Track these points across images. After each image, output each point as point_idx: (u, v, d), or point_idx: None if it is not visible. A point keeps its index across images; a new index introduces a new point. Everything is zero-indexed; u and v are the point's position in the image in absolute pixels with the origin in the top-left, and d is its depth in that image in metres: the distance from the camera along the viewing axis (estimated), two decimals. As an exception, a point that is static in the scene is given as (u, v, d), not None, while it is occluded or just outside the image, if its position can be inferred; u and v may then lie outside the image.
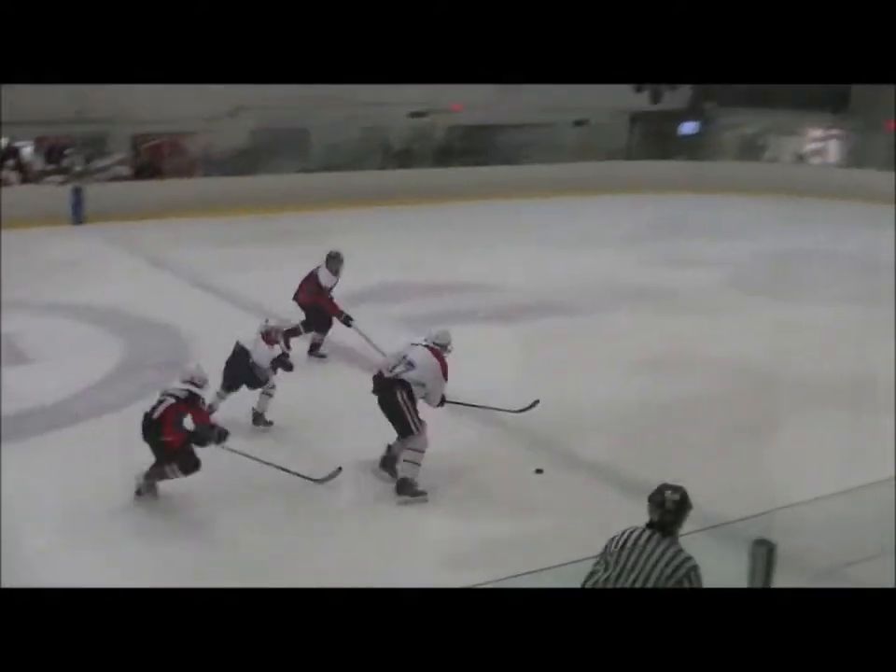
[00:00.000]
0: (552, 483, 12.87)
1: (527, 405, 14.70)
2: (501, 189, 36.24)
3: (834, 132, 45.87)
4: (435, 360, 12.82)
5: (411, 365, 12.60)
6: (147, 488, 12.21)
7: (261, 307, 18.20)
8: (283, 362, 14.52)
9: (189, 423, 12.01)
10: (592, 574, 6.99)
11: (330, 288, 17.57)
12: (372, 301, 21.31)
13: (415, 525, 11.73)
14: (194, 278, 23.66)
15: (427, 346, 12.88)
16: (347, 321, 17.36)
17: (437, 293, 22.10)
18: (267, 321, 14.75)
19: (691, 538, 7.16)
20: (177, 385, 12.23)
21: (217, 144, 35.59)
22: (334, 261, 17.71)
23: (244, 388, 14.47)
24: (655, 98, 45.05)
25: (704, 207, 35.75)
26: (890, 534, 9.05)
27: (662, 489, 7.13)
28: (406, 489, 12.40)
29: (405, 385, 12.44)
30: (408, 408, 12.46)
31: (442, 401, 13.09)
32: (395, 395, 12.42)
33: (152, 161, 34.94)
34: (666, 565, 6.81)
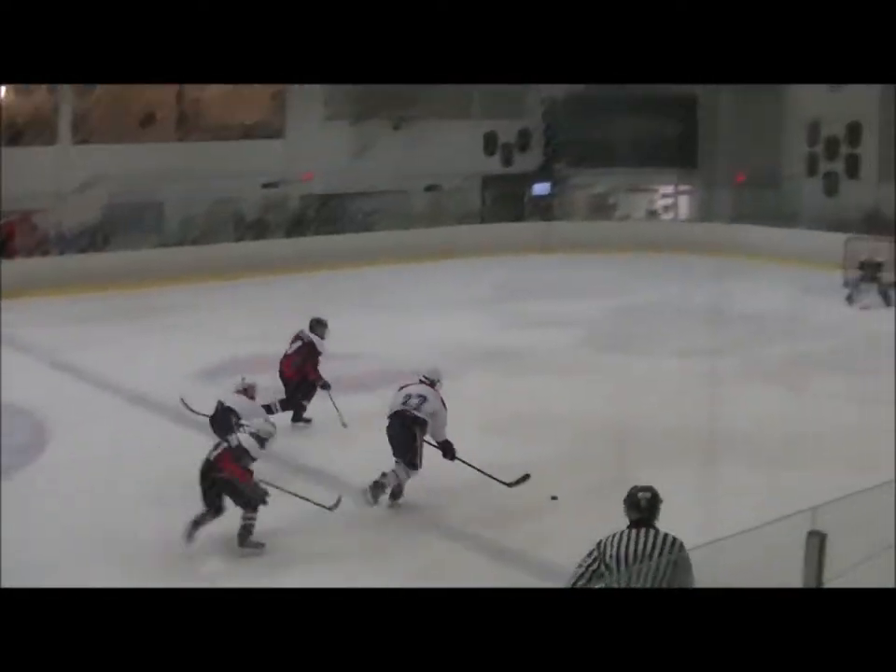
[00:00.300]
0: (412, 545, 13.00)
1: (518, 478, 14.89)
2: (355, 256, 36.33)
3: (684, 187, 46.86)
4: (438, 394, 14.32)
5: (423, 399, 14.05)
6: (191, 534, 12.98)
7: (117, 384, 18.06)
8: (271, 407, 16.40)
9: None
10: (581, 576, 8.21)
11: (320, 354, 18.12)
12: (227, 375, 21.25)
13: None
14: (48, 356, 23.37)
15: (424, 383, 14.39)
16: (326, 386, 17.86)
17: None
18: (244, 379, 16.13)
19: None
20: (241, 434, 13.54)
21: (69, 220, 35.27)
22: (321, 327, 18.45)
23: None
24: (506, 161, 45.64)
25: (556, 267, 36.22)
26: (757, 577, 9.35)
27: (634, 492, 8.43)
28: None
29: (423, 424, 13.96)
30: (420, 444, 14.01)
31: (452, 454, 14.56)
32: (413, 430, 13.96)
33: (3, 239, 34.46)
34: (661, 547, 8.13)
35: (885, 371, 21.58)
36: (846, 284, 32.27)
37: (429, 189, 43.09)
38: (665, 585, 7.92)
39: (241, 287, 32.41)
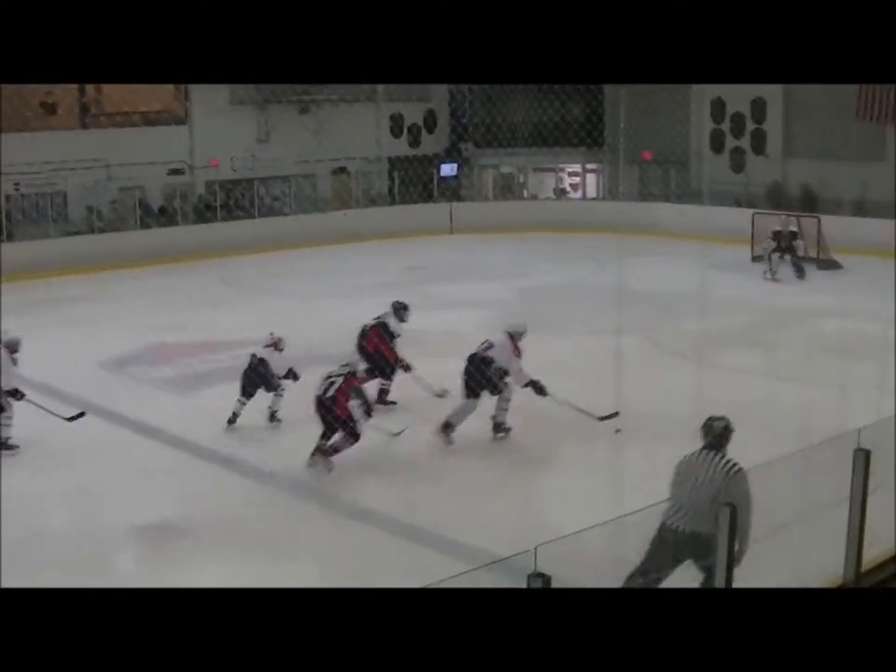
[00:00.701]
0: (319, 529, 12.97)
1: (610, 413, 16.27)
2: (263, 242, 36.12)
3: (591, 166, 47.10)
4: (509, 343, 16.63)
5: (490, 344, 16.60)
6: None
7: (24, 376, 17.77)
8: (294, 373, 17.54)
9: None
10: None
11: (397, 336, 18.99)
12: (138, 364, 21.10)
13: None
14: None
15: (505, 332, 16.81)
16: (408, 368, 18.44)
17: (203, 351, 21.96)
18: (272, 334, 17.78)
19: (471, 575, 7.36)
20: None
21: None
22: (403, 311, 19.44)
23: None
24: (414, 142, 45.62)
25: (464, 248, 36.25)
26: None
27: (709, 420, 9.97)
28: (500, 429, 16.35)
29: (488, 362, 16.29)
30: (491, 375, 16.21)
31: (529, 384, 16.52)
32: (480, 367, 16.19)
33: None
34: (721, 467, 9.55)
35: (793, 346, 21.82)
36: (755, 258, 32.59)
37: (337, 172, 43.01)
38: (722, 498, 9.09)
39: (148, 275, 32.12)
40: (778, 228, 31.75)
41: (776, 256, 31.01)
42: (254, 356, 17.47)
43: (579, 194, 47.44)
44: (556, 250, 35.02)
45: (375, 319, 19.10)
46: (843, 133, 39.51)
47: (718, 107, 43.69)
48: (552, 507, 13.41)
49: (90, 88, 38.43)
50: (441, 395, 17.83)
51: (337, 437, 15.07)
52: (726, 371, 20.11)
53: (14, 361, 16.35)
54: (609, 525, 9.33)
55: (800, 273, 30.52)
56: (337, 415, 15.00)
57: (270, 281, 30.44)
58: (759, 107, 42.54)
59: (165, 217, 38.02)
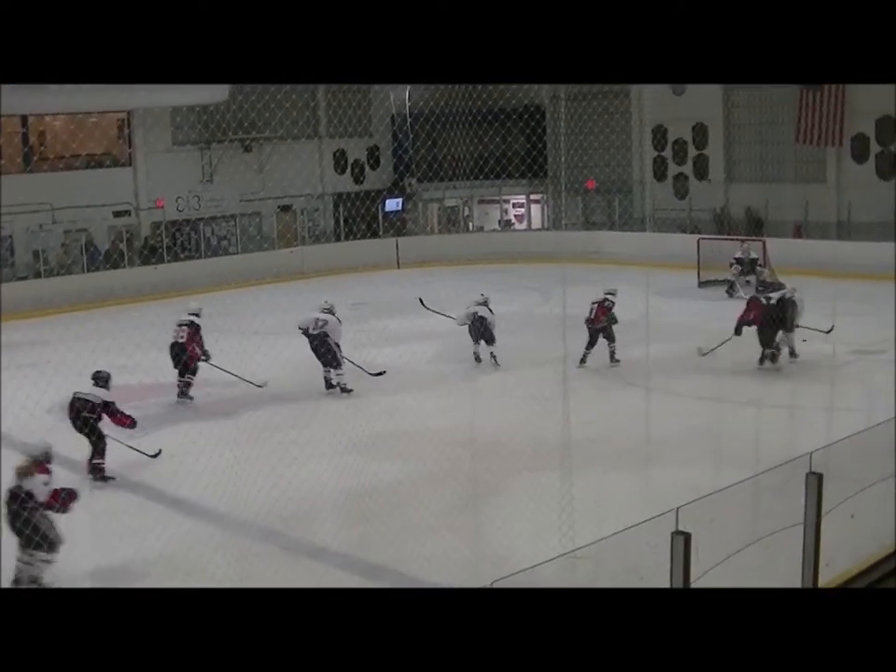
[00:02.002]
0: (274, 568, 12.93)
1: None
2: (209, 281, 35.98)
3: (535, 197, 47.32)
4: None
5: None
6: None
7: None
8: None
9: None
10: None
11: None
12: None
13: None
14: None
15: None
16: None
17: (151, 394, 21.86)
18: (325, 301, 21.67)
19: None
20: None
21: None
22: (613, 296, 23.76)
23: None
24: (357, 178, 45.70)
25: (411, 282, 36.24)
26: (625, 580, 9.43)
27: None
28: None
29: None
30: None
31: None
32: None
33: None
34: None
35: (739, 371, 21.94)
36: (701, 284, 32.83)
37: (281, 210, 43.01)
38: None
39: (95, 318, 31.90)
40: (739, 255, 32.15)
41: (742, 279, 31.45)
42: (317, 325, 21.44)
43: (524, 225, 47.64)
44: (502, 281, 35.10)
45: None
46: (784, 157, 39.94)
47: (659, 135, 44.01)
48: (505, 539, 13.42)
49: (33, 131, 38.35)
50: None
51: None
52: (675, 396, 20.21)
53: None
54: (565, 555, 9.36)
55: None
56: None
57: (216, 321, 30.31)
58: (700, 133, 42.90)
59: (111, 259, 37.84)
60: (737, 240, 34.42)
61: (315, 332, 21.67)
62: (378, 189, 46.14)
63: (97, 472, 16.83)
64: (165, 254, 38.58)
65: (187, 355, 21.62)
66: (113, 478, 16.84)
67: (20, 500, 12.70)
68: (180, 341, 22.04)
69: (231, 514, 14.72)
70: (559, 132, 45.97)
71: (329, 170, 45.50)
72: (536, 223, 47.53)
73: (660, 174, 44.16)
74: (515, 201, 47.94)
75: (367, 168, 46.83)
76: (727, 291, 32.02)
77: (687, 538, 8.61)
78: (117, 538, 13.98)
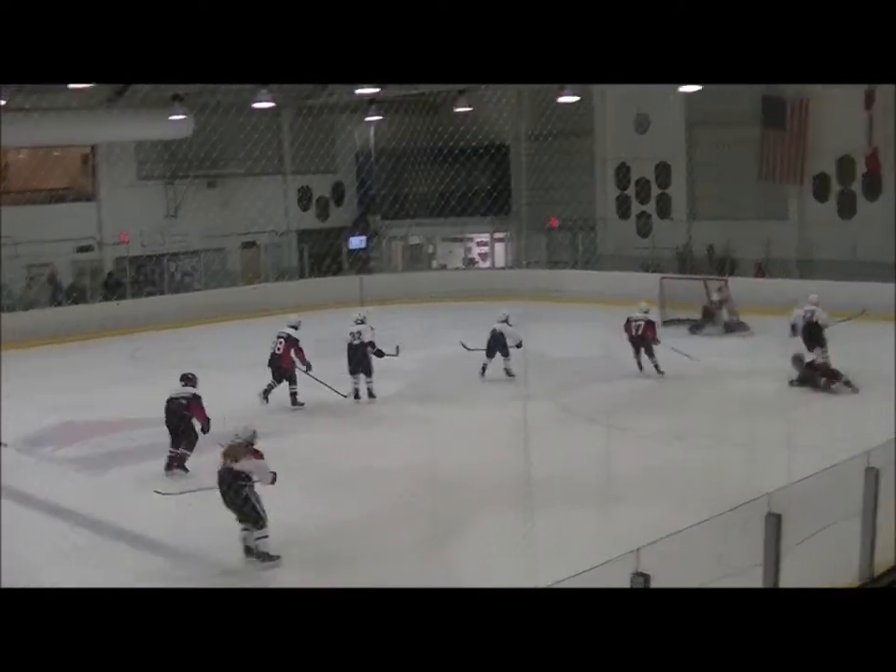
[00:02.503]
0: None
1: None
2: (173, 317, 35.88)
3: (499, 235, 47.42)
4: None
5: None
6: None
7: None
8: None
9: None
10: None
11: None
12: (48, 443, 20.90)
13: None
14: None
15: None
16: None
17: (113, 430, 21.80)
18: (359, 314, 24.12)
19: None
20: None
21: None
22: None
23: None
24: (322, 215, 45.76)
25: (375, 320, 36.15)
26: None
27: None
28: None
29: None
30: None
31: None
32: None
33: None
34: None
35: (699, 410, 22.02)
36: (665, 323, 32.95)
37: (246, 246, 42.98)
38: None
39: (58, 353, 31.79)
40: (707, 304, 32.74)
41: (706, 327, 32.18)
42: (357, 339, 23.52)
43: (487, 263, 47.71)
44: (465, 320, 35.10)
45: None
46: (746, 195, 40.20)
47: (622, 173, 44.24)
48: (467, 578, 13.39)
49: (-4, 165, 38.31)
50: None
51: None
52: (636, 435, 20.25)
53: None
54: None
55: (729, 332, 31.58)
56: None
57: (180, 356, 30.24)
58: (663, 172, 43.15)
59: (75, 294, 37.71)
60: (700, 279, 34.59)
61: (356, 343, 24.13)
62: (342, 226, 46.22)
63: (179, 462, 18.83)
64: (129, 289, 38.47)
65: (283, 366, 23.84)
66: (188, 471, 18.54)
67: (233, 480, 14.53)
68: (277, 352, 23.96)
69: (190, 554, 14.65)
70: (521, 170, 46.19)
71: (294, 206, 45.58)
72: (500, 261, 47.60)
73: (623, 212, 44.38)
74: (479, 239, 48.03)
75: (331, 205, 46.93)
76: (690, 329, 32.27)
77: (646, 578, 8.64)
78: (75, 574, 13.89)
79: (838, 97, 35.91)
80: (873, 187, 37.64)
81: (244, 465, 14.69)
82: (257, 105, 35.34)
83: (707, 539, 10.46)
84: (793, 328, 25.95)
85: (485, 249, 48.05)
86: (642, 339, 25.52)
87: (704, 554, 10.39)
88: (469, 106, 40.05)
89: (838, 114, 36.81)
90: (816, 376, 23.75)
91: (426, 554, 14.48)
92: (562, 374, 25.56)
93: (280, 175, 45.12)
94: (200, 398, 19.05)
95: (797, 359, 24.46)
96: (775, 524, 10.04)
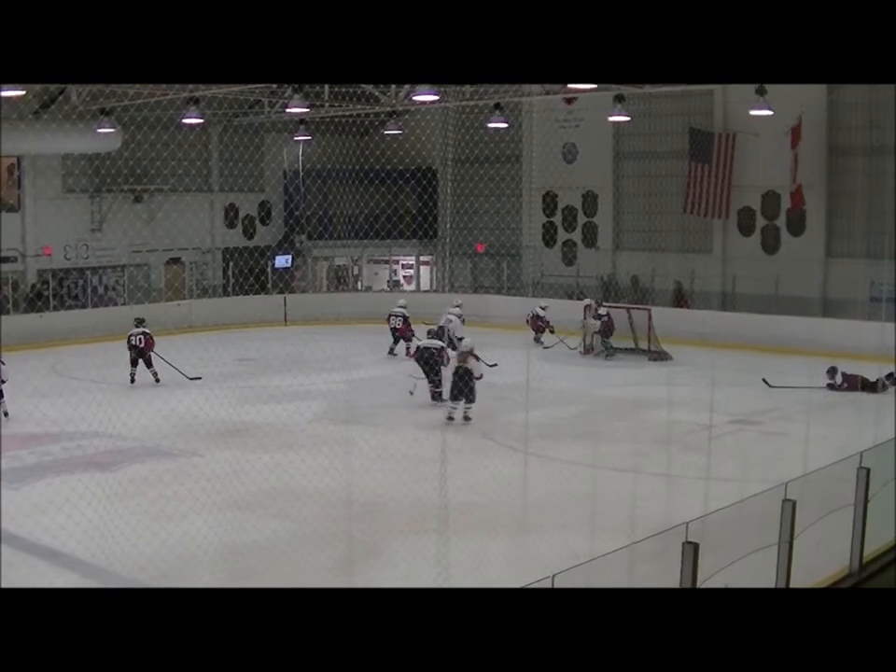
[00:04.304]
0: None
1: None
2: (95, 331, 35.55)
3: (425, 258, 47.54)
4: None
5: None
6: None
7: None
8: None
9: None
10: None
11: None
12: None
13: None
14: None
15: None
16: None
17: (31, 443, 21.57)
18: (456, 300, 27.68)
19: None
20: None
21: None
22: None
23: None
24: (248, 233, 45.63)
25: (297, 340, 36.11)
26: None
27: None
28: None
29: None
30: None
31: None
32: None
33: None
34: None
35: (620, 438, 22.12)
36: (585, 350, 33.16)
37: (170, 262, 42.76)
38: None
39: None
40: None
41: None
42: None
43: (412, 286, 47.80)
44: (389, 342, 35.15)
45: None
46: (671, 227, 40.58)
47: (550, 201, 44.48)
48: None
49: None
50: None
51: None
52: (555, 462, 20.30)
53: None
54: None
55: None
56: None
57: (101, 371, 30.02)
58: (590, 201, 43.45)
59: (-6, 305, 37.36)
60: (623, 307, 34.86)
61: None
62: (268, 245, 46.12)
63: (438, 398, 25.32)
64: (51, 302, 38.11)
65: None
66: (446, 400, 24.48)
67: (464, 374, 23.51)
68: (397, 327, 32.84)
69: (104, 570, 14.50)
70: (447, 194, 46.35)
71: (220, 224, 45.44)
72: (425, 285, 47.72)
73: (549, 239, 44.58)
74: (405, 262, 48.17)
75: (257, 223, 46.81)
76: (606, 356, 32.77)
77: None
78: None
79: (764, 133, 36.33)
80: (797, 223, 38.07)
81: (471, 364, 23.63)
82: (185, 121, 35.18)
83: (623, 567, 10.49)
84: None
85: (411, 272, 48.15)
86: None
87: (620, 581, 10.42)
88: (399, 129, 40.13)
89: (764, 149, 37.21)
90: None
91: (338, 577, 14.42)
92: (485, 400, 25.59)
93: (207, 191, 44.96)
94: (446, 349, 26.53)
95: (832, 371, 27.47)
96: (692, 552, 10.07)
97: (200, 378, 28.94)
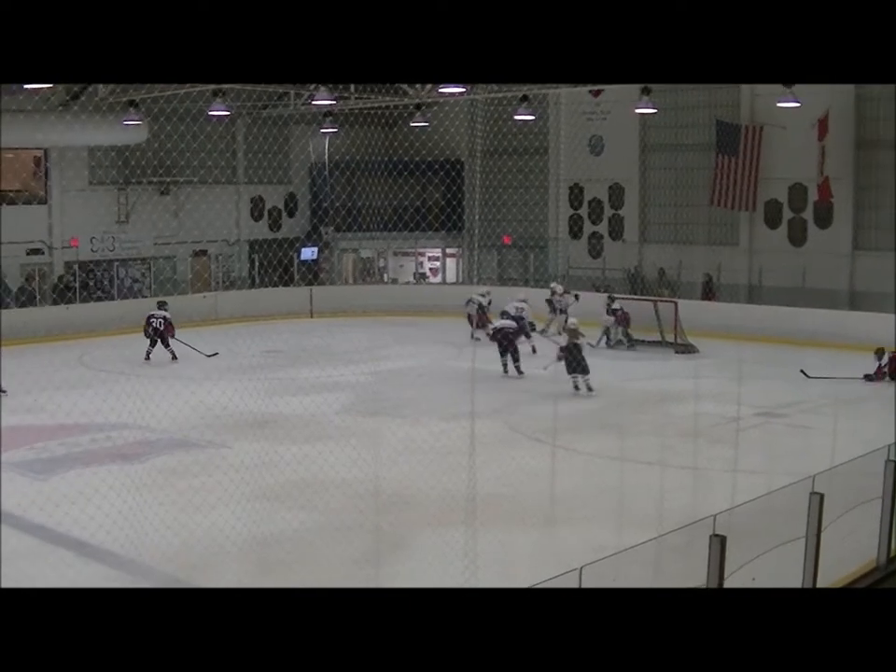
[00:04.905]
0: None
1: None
2: (122, 323, 35.61)
3: (451, 251, 47.50)
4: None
5: None
6: None
7: None
8: None
9: None
10: None
11: None
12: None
13: None
14: None
15: None
16: None
17: (60, 434, 21.65)
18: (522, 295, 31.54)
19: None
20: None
21: None
22: None
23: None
24: (274, 225, 45.67)
25: (323, 332, 36.19)
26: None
27: None
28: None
29: None
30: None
31: None
32: None
33: None
34: None
35: (646, 430, 22.10)
36: (609, 344, 33.15)
37: (197, 254, 42.82)
38: None
39: (5, 356, 31.44)
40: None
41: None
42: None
43: (438, 278, 47.78)
44: (415, 334, 35.20)
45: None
46: (697, 220, 40.48)
47: (576, 193, 44.40)
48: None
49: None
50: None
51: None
52: (581, 455, 20.31)
53: None
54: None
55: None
56: None
57: (126, 364, 30.13)
58: (617, 193, 43.34)
59: (24, 297, 37.45)
60: (649, 300, 34.81)
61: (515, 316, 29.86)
62: (294, 237, 46.12)
63: (519, 371, 28.24)
64: (78, 294, 38.20)
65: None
66: (523, 373, 28.03)
67: (578, 351, 26.09)
68: (472, 313, 34.36)
69: (132, 561, 14.57)
70: (475, 187, 46.31)
71: (246, 216, 45.47)
72: (451, 277, 47.71)
73: (575, 232, 44.49)
74: (431, 254, 48.12)
75: (284, 215, 46.83)
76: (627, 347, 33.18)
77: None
78: (13, 583, 13.79)
79: (791, 125, 36.24)
80: (824, 215, 37.92)
81: (580, 340, 26.29)
82: (212, 113, 35.25)
83: (650, 560, 10.50)
84: None
85: (436, 264, 48.13)
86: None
87: (646, 575, 10.43)
88: (425, 122, 40.11)
89: (791, 142, 37.11)
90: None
91: (365, 569, 14.45)
92: (510, 393, 25.61)
93: (233, 184, 45.01)
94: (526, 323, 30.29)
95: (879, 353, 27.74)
96: (719, 545, 10.07)
97: (217, 354, 30.46)
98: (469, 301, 35.10)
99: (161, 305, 31.75)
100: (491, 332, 29.63)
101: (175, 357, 30.57)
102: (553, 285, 37.30)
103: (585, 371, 25.96)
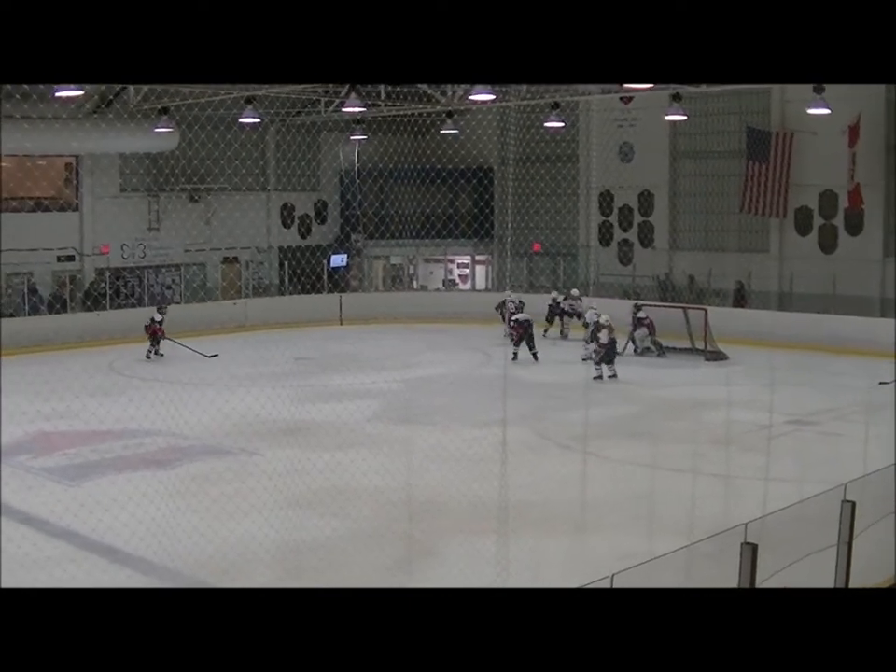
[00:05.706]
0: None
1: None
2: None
3: (480, 258, 47.52)
4: None
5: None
6: None
7: None
8: None
9: None
10: None
11: None
12: (25, 452, 20.86)
13: None
14: None
15: None
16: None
17: (93, 440, 21.76)
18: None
19: None
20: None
21: None
22: None
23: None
24: (304, 233, 45.76)
25: (353, 339, 36.30)
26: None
27: None
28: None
29: None
30: None
31: None
32: None
33: None
34: None
35: (676, 438, 22.08)
36: (637, 351, 33.15)
37: (227, 261, 42.95)
38: None
39: (37, 362, 31.68)
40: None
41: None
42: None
43: (468, 286, 47.81)
44: (445, 341, 35.25)
45: None
46: (728, 227, 40.40)
47: (606, 200, 44.38)
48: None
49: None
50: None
51: None
52: (611, 462, 20.31)
53: None
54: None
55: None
56: None
57: (157, 370, 30.27)
58: (646, 200, 43.29)
59: (55, 303, 37.67)
60: (678, 307, 34.78)
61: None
62: (324, 245, 46.20)
63: (536, 357, 31.52)
64: (108, 301, 38.36)
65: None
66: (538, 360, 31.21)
67: (612, 345, 29.03)
68: (510, 311, 35.15)
69: (165, 567, 14.64)
70: (507, 194, 46.30)
71: (276, 223, 45.59)
72: (480, 284, 47.73)
73: (605, 239, 44.46)
74: (460, 261, 48.15)
75: (313, 223, 46.93)
76: (658, 354, 32.88)
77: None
78: (59, 581, 13.87)
79: (822, 131, 36.14)
80: (854, 222, 37.80)
81: (614, 334, 28.84)
82: (243, 121, 35.40)
83: (681, 568, 10.51)
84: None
85: (466, 271, 48.16)
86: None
87: (677, 582, 10.43)
88: (455, 129, 40.17)
89: (821, 148, 37.02)
90: None
91: (395, 577, 14.48)
92: (539, 399, 25.63)
93: (263, 191, 45.14)
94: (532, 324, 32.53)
95: None
96: (750, 553, 10.07)
97: (216, 355, 31.17)
98: (504, 301, 36.74)
99: (160, 309, 34.08)
100: (513, 324, 32.45)
101: (161, 354, 33.05)
102: (573, 291, 37.41)
103: (612, 361, 29.00)
